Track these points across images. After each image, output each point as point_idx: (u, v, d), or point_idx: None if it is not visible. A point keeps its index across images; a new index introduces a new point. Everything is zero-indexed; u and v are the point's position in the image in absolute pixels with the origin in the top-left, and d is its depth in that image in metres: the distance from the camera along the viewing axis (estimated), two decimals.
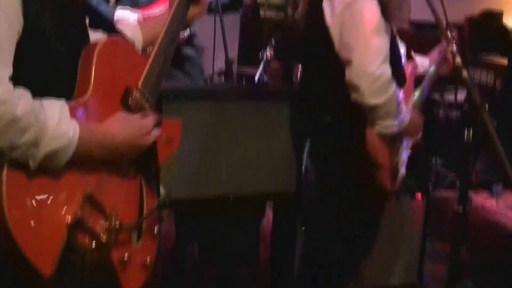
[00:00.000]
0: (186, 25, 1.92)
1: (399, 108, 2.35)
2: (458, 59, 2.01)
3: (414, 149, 2.80)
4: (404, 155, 2.60)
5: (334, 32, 2.36)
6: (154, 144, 1.72)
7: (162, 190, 2.56)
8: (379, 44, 2.29)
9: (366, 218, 2.58)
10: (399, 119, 2.37)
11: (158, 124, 1.68)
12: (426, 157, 4.36)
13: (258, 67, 3.13)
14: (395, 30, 2.52)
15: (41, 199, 1.39)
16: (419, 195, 3.35)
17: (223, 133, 2.75)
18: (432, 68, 2.80)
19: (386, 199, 2.66)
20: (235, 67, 3.75)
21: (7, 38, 1.37)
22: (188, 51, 3.64)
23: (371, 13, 2.29)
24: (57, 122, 1.37)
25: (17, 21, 1.39)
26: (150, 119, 1.62)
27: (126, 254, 1.57)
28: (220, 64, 3.36)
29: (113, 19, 3.47)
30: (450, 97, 4.80)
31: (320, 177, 2.69)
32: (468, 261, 3.72)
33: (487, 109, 1.84)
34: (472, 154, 4.06)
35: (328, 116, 2.47)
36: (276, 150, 2.84)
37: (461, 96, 4.80)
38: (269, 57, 3.27)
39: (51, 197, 1.40)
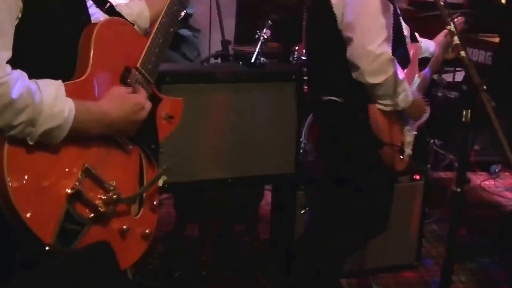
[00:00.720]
0: (185, 5, 1.94)
1: (400, 87, 2.37)
2: (456, 38, 1.97)
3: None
4: (411, 136, 2.62)
5: (337, 11, 2.38)
6: (153, 121, 1.80)
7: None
8: (380, 24, 2.30)
9: (375, 197, 2.61)
10: (401, 99, 2.39)
11: (154, 100, 1.73)
12: (424, 138, 4.36)
13: (255, 46, 3.10)
14: (399, 11, 2.53)
15: (41, 172, 1.45)
16: (417, 176, 3.34)
17: (221, 116, 2.75)
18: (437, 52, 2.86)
19: (395, 179, 2.71)
20: (231, 47, 3.72)
21: (6, 22, 1.40)
22: (184, 32, 3.63)
23: None
24: (52, 101, 1.42)
25: (16, 5, 1.42)
26: (141, 96, 1.68)
27: (125, 225, 1.65)
28: (217, 46, 3.34)
29: None
30: (449, 78, 4.78)
31: (328, 158, 2.74)
32: (466, 242, 3.74)
33: (485, 89, 1.82)
34: (471, 134, 4.07)
35: (335, 95, 2.48)
36: (275, 132, 2.84)
37: (460, 77, 4.79)
38: (266, 37, 3.25)
39: (51, 170, 1.46)
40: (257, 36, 3.17)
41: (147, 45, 1.75)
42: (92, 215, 1.54)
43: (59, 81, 1.46)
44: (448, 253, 2.19)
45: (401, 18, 2.57)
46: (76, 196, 1.50)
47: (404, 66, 2.52)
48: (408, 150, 2.60)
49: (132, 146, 1.71)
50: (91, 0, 1.78)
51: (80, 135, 1.50)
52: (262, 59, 3.00)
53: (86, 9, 1.71)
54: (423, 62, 2.85)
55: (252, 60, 2.92)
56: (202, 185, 2.80)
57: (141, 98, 1.67)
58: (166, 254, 3.23)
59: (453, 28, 1.99)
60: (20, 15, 1.44)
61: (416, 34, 2.86)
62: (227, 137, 2.76)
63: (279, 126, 2.84)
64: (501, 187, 4.84)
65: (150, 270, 3.10)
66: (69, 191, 1.49)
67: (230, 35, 2.48)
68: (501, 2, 5.01)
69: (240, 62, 2.98)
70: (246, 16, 5.15)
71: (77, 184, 1.50)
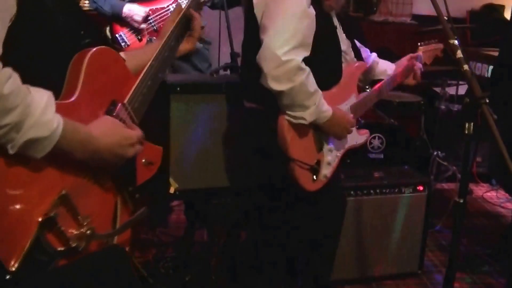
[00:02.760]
0: (174, 54, 1.96)
1: (310, 100, 2.19)
2: (459, 53, 2.00)
3: (416, 142, 2.79)
4: (333, 157, 2.44)
5: (257, 12, 2.26)
6: (134, 164, 1.72)
7: (172, 182, 2.66)
8: (294, 29, 2.12)
9: (284, 215, 2.52)
10: (310, 112, 2.21)
11: (141, 142, 1.66)
12: (427, 150, 4.41)
13: None
14: (337, 24, 2.42)
15: (15, 192, 1.33)
16: (421, 187, 3.38)
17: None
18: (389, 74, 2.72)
19: (305, 199, 2.43)
20: (240, 60, 3.78)
21: (1, 19, 1.33)
22: (196, 44, 3.70)
23: None
24: (43, 108, 1.31)
25: (10, 7, 1.36)
26: (136, 133, 1.61)
27: None
28: (226, 58, 3.40)
29: (122, 12, 3.53)
30: (452, 91, 4.83)
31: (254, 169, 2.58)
32: (468, 251, 3.79)
33: (487, 102, 1.85)
34: (473, 146, 4.12)
35: (255, 101, 2.37)
36: None
37: (463, 90, 4.84)
38: None
39: (25, 192, 1.35)
40: None
41: (137, 83, 1.70)
42: (61, 248, 1.43)
43: (50, 92, 1.37)
44: (451, 262, 2.20)
45: (340, 32, 2.42)
46: (49, 224, 1.38)
47: (333, 81, 2.41)
48: (326, 172, 2.41)
49: (111, 183, 1.62)
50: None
51: (62, 156, 1.40)
52: None
53: (90, 31, 1.70)
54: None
55: None
56: (212, 193, 2.84)
57: (134, 134, 1.59)
58: (177, 258, 3.27)
59: (457, 42, 2.03)
60: (13, 18, 1.38)
61: (374, 55, 2.75)
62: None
63: None
64: (503, 198, 4.87)
65: (162, 274, 3.15)
66: (41, 217, 1.37)
67: (238, 48, 2.51)
68: (503, 17, 5.07)
69: None
70: None
71: (52, 210, 1.38)
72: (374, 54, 2.76)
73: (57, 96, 1.46)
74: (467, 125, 2.00)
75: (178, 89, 2.66)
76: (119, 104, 1.62)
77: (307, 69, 2.18)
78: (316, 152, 2.37)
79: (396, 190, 3.33)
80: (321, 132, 2.36)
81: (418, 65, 2.78)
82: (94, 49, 1.56)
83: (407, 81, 2.80)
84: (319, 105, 2.23)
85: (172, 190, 2.65)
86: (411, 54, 2.80)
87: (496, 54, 3.96)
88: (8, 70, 1.27)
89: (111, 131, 1.51)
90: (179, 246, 3.42)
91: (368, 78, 2.74)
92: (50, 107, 1.34)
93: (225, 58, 3.59)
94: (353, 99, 2.51)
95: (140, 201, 1.78)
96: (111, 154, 1.52)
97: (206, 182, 2.78)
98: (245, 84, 2.47)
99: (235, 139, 2.78)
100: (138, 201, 1.75)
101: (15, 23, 1.39)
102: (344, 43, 2.45)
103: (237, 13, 4.72)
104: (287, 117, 2.24)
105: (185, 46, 1.99)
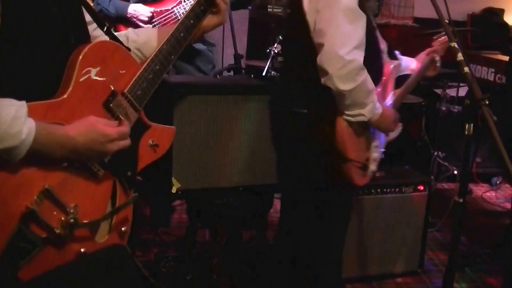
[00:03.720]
0: (203, 32, 1.90)
1: (369, 98, 2.28)
2: (460, 55, 2.00)
3: (417, 143, 2.82)
4: (377, 153, 2.52)
5: (310, 18, 2.30)
6: (134, 148, 1.74)
7: (174, 181, 2.68)
8: (352, 30, 2.20)
9: (336, 211, 2.58)
10: (368, 109, 2.29)
11: (140, 127, 1.69)
12: (428, 150, 4.44)
13: (266, 61, 3.17)
14: (375, 24, 2.48)
15: None
16: (421, 187, 3.41)
17: (232, 126, 2.79)
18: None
19: (353, 193, 2.54)
20: (243, 62, 3.81)
21: None
22: (200, 46, 3.72)
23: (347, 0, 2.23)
24: (10, 122, 1.37)
25: None
26: (116, 129, 1.60)
27: (83, 249, 1.58)
28: (229, 59, 3.42)
29: (127, 13, 3.55)
30: (452, 93, 4.86)
31: (295, 170, 2.60)
32: (467, 250, 3.82)
33: (487, 103, 1.88)
34: (473, 147, 4.14)
35: (301, 107, 2.40)
36: None
37: (463, 92, 4.86)
38: (276, 52, 3.32)
39: (8, 187, 1.42)
40: (268, 50, 3.24)
41: (140, 71, 1.70)
42: (45, 235, 1.49)
43: (22, 102, 1.41)
44: (450, 261, 2.21)
45: (377, 32, 2.49)
46: (31, 216, 1.45)
47: (376, 80, 2.44)
48: (373, 167, 2.49)
49: (104, 171, 1.64)
50: (94, 21, 1.76)
51: (41, 156, 1.45)
52: (272, 72, 3.06)
53: (81, 30, 1.68)
54: (404, 79, 2.80)
55: (263, 73, 2.97)
56: (214, 192, 2.85)
57: (112, 131, 1.58)
58: (179, 258, 3.28)
59: (457, 45, 2.05)
60: None
61: (397, 52, 2.82)
62: (238, 146, 2.80)
63: None
64: (502, 199, 4.91)
65: (163, 273, 3.17)
66: (23, 210, 1.44)
67: (242, 50, 2.52)
68: (503, 20, 5.08)
69: (252, 75, 3.02)
70: (258, 32, 5.25)
71: (32, 204, 1.45)
72: (397, 52, 2.83)
73: (52, 94, 1.52)
74: (467, 126, 2.02)
75: (182, 90, 2.66)
76: (118, 95, 1.64)
77: (365, 68, 2.25)
78: (366, 150, 2.46)
79: (397, 190, 3.36)
80: (368, 130, 2.44)
81: (438, 57, 2.81)
82: (89, 45, 1.58)
83: (428, 73, 2.84)
84: (376, 103, 2.31)
85: (174, 190, 2.67)
86: (429, 49, 2.83)
87: (495, 57, 3.99)
88: None
89: (87, 130, 1.53)
90: (181, 246, 3.44)
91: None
92: (18, 119, 1.39)
93: (229, 60, 3.62)
94: (391, 97, 2.61)
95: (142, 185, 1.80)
96: (90, 151, 1.54)
97: (208, 182, 2.78)
98: (290, 90, 2.51)
99: (239, 139, 2.80)
100: (138, 185, 1.77)
101: (3, 25, 1.42)
102: (383, 43, 2.53)
103: (240, 16, 4.76)
104: (345, 117, 2.30)
105: (213, 21, 1.90)
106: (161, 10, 3.61)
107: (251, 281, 3.20)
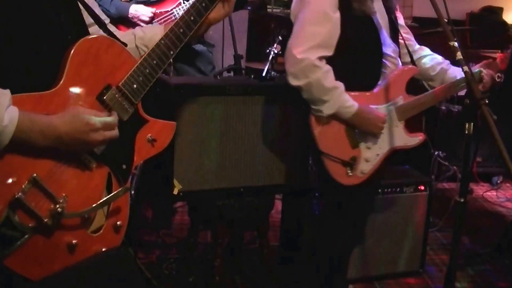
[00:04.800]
0: (209, 25, 1.92)
1: (327, 96, 2.36)
2: (459, 54, 1.99)
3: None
4: (371, 154, 2.53)
5: (293, 19, 2.46)
6: (130, 141, 1.75)
7: (176, 183, 2.68)
8: (312, 32, 2.34)
9: (333, 207, 2.67)
10: (327, 106, 2.38)
11: (137, 121, 1.70)
12: (428, 150, 4.43)
13: (266, 62, 3.16)
14: (383, 26, 2.49)
15: None
16: (422, 187, 3.41)
17: (233, 127, 2.80)
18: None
19: (352, 191, 2.54)
20: (243, 63, 3.80)
21: None
22: (199, 47, 3.73)
23: (317, 3, 2.35)
24: None
25: None
26: (100, 119, 1.59)
27: (74, 240, 1.61)
28: (229, 60, 3.42)
29: (128, 13, 3.56)
30: None
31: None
32: (468, 250, 3.81)
33: (487, 103, 1.88)
34: (473, 147, 4.14)
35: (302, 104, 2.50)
36: (284, 143, 2.88)
37: (462, 91, 4.85)
38: (276, 52, 3.31)
39: None
40: (267, 51, 3.23)
41: (136, 65, 1.72)
42: (33, 224, 1.52)
43: (6, 91, 1.45)
44: (451, 260, 2.22)
45: (385, 35, 2.51)
46: (18, 204, 1.49)
47: (368, 81, 2.50)
48: (364, 168, 2.53)
49: (97, 163, 1.66)
50: (92, 19, 1.78)
51: (26, 145, 1.48)
52: (272, 73, 3.05)
53: (80, 30, 1.70)
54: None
55: (263, 74, 2.97)
56: (215, 194, 2.84)
57: (95, 120, 1.58)
58: (181, 260, 3.29)
59: (456, 44, 2.05)
60: None
61: (446, 62, 2.74)
62: (239, 148, 2.81)
63: (288, 137, 2.88)
64: (503, 198, 4.92)
65: (165, 275, 3.17)
66: (11, 198, 1.47)
67: (242, 51, 2.53)
68: (502, 19, 5.08)
69: (252, 76, 3.03)
70: (257, 32, 5.23)
71: (19, 192, 1.48)
72: (447, 62, 2.76)
73: (46, 88, 1.55)
74: (467, 125, 2.03)
75: (182, 91, 2.67)
76: (112, 88, 1.67)
77: (326, 67, 2.36)
78: (350, 148, 2.51)
79: (398, 190, 3.36)
80: (352, 128, 2.48)
81: (489, 72, 2.69)
82: (80, 40, 1.61)
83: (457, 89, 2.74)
84: (337, 101, 2.39)
85: (176, 192, 2.67)
86: (485, 61, 2.75)
87: (494, 56, 3.98)
88: None
89: (71, 119, 1.54)
90: (183, 248, 3.44)
91: (435, 83, 2.75)
92: (0, 105, 1.41)
93: (229, 61, 3.61)
94: (400, 101, 2.57)
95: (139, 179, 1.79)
96: (73, 140, 1.55)
97: (210, 184, 2.79)
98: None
99: (239, 140, 2.80)
100: (133, 179, 1.77)
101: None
102: (389, 47, 2.52)
103: (240, 16, 4.76)
104: (311, 111, 2.44)
105: (221, 12, 1.91)
106: (161, 11, 3.62)
107: (253, 283, 3.20)
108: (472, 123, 2.02)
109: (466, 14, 6.28)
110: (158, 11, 3.62)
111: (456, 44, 2.01)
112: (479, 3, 6.35)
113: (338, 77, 2.39)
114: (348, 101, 2.41)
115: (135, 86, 1.71)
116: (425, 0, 2.21)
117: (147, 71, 1.73)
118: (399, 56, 2.61)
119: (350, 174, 2.51)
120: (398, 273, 3.46)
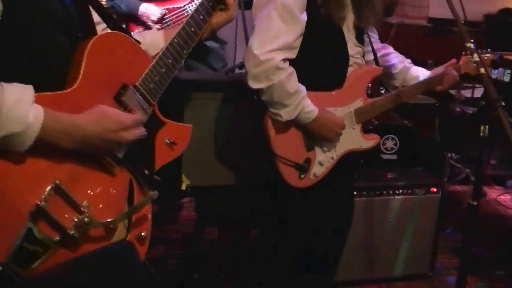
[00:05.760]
0: (212, 30, 1.89)
1: (289, 100, 2.24)
2: (475, 56, 1.97)
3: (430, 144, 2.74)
4: (325, 156, 2.45)
5: (254, 12, 2.31)
6: (150, 145, 1.70)
7: (184, 178, 2.67)
8: (277, 32, 2.19)
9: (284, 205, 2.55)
10: (287, 111, 2.26)
11: (155, 123, 1.65)
12: (441, 152, 4.40)
13: None
14: (348, 28, 2.40)
15: (5, 186, 1.31)
16: (434, 189, 3.38)
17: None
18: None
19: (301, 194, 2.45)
20: None
21: None
22: (212, 44, 3.72)
23: (282, 1, 2.20)
24: (13, 104, 1.28)
25: None
26: (130, 116, 1.54)
27: None
28: (241, 57, 3.41)
29: (138, 10, 3.56)
30: (467, 94, 4.82)
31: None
32: (480, 254, 3.76)
33: (503, 105, 1.86)
34: (487, 149, 4.10)
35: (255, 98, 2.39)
36: None
37: (478, 93, 4.82)
38: None
39: (14, 181, 1.33)
40: None
41: (152, 64, 1.67)
42: (58, 237, 1.40)
43: (29, 86, 1.34)
44: (462, 264, 2.22)
45: (349, 37, 2.41)
46: (41, 214, 1.36)
47: (332, 83, 2.42)
48: (317, 171, 2.44)
49: (119, 168, 1.58)
50: (99, 16, 1.72)
51: (50, 147, 1.37)
52: None
53: (88, 27, 1.63)
54: None
55: None
56: (223, 190, 2.83)
57: (126, 117, 1.52)
58: (186, 256, 3.28)
59: (473, 46, 2.03)
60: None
61: (407, 61, 2.70)
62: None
63: None
64: None
65: (170, 271, 3.16)
66: (31, 207, 1.34)
67: None
68: None
69: None
70: None
71: (42, 201, 1.35)
72: (408, 61, 2.73)
73: (59, 87, 1.46)
74: (482, 127, 2.01)
75: (192, 87, 2.66)
76: (129, 88, 1.60)
77: (289, 70, 2.24)
78: (304, 151, 2.41)
79: (409, 191, 3.33)
80: (307, 131, 2.39)
81: (453, 73, 2.65)
82: (95, 37, 1.53)
83: (437, 87, 2.67)
84: (298, 106, 2.28)
85: (183, 187, 2.66)
86: (449, 62, 2.71)
87: (510, 57, 3.94)
88: None
89: (98, 118, 1.46)
90: (189, 244, 3.43)
91: (396, 82, 2.72)
92: (23, 101, 1.31)
93: (241, 58, 3.60)
94: (358, 103, 2.50)
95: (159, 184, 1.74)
96: (102, 141, 1.47)
97: (217, 180, 2.78)
98: None
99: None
100: (156, 184, 1.71)
101: (5, 21, 1.38)
102: (353, 49, 2.44)
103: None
104: (268, 113, 2.31)
105: (222, 17, 1.89)
106: (173, 7, 3.60)
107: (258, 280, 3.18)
108: (487, 126, 1.99)
109: (483, 15, 6.22)
110: (170, 6, 3.60)
111: (472, 45, 1.99)
112: (496, 4, 6.29)
113: (300, 77, 2.29)
114: (308, 106, 2.31)
115: (152, 86, 1.66)
116: (442, 0, 2.15)
117: (163, 70, 1.69)
118: (363, 56, 2.53)
119: (302, 177, 2.42)
120: (407, 276, 3.42)
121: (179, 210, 4.01)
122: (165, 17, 3.60)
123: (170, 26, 3.60)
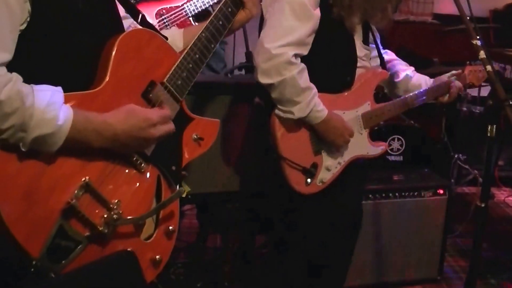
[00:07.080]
0: (232, 29, 1.90)
1: (300, 97, 2.19)
2: (482, 53, 1.94)
3: (437, 145, 2.70)
4: (332, 162, 2.38)
5: (264, 8, 2.28)
6: (178, 141, 1.72)
7: (184, 185, 2.63)
8: (290, 26, 2.14)
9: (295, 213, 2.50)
10: (299, 108, 2.20)
11: (182, 119, 1.67)
12: (448, 153, 4.36)
13: None
14: (353, 31, 2.37)
15: (35, 181, 1.36)
16: (441, 190, 3.34)
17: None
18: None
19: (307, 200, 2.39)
20: None
21: (6, 25, 1.34)
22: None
23: None
24: (44, 107, 1.34)
25: (22, 9, 1.38)
26: (157, 112, 1.57)
27: (129, 248, 1.57)
28: (241, 57, 3.38)
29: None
30: (474, 93, 4.78)
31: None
32: (489, 257, 3.72)
33: (511, 104, 1.83)
34: (495, 150, 4.05)
35: (261, 96, 2.37)
36: None
37: (485, 92, 4.77)
38: None
39: (46, 181, 1.38)
40: None
41: (179, 60, 1.68)
42: (88, 233, 1.46)
43: (58, 88, 1.40)
44: (471, 268, 2.21)
45: (357, 38, 2.38)
46: (71, 212, 1.42)
47: (341, 85, 2.39)
48: (324, 176, 2.37)
49: (147, 165, 1.61)
50: (126, 11, 1.75)
51: (81, 146, 1.43)
52: None
53: (115, 24, 1.65)
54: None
55: None
56: (225, 197, 2.81)
57: (154, 114, 1.55)
58: (188, 264, 3.24)
59: (479, 42, 1.99)
60: (28, 18, 1.40)
61: (410, 69, 2.67)
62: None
63: None
64: None
65: (173, 281, 3.12)
66: (63, 205, 1.40)
67: (254, 48, 2.50)
68: None
69: None
70: None
71: (72, 199, 1.41)
72: (411, 69, 2.70)
73: (87, 85, 1.50)
74: (489, 127, 1.99)
75: (192, 89, 2.61)
76: (157, 84, 1.62)
77: (301, 65, 2.19)
78: (312, 155, 2.36)
79: (416, 194, 3.30)
80: (315, 134, 2.34)
81: (457, 84, 2.65)
82: (123, 34, 1.55)
83: (440, 98, 2.69)
84: (310, 103, 2.22)
85: (184, 194, 2.61)
86: (453, 71, 2.70)
87: None
88: (7, 76, 1.32)
89: (126, 116, 1.49)
90: (191, 252, 3.40)
91: (399, 91, 2.69)
92: (54, 104, 1.36)
93: (240, 58, 3.57)
94: (366, 107, 2.47)
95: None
96: (131, 138, 1.50)
97: (219, 186, 2.74)
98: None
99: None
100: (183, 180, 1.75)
101: (34, 22, 1.41)
102: (361, 51, 2.41)
103: None
104: (277, 112, 2.25)
105: (241, 16, 1.90)
106: (171, 7, 3.56)
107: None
108: (494, 125, 1.97)
109: (489, 11, 6.19)
110: (168, 6, 3.56)
111: (479, 42, 1.97)
112: (503, 0, 6.25)
113: (309, 77, 2.24)
114: (319, 105, 2.26)
115: (179, 82, 1.67)
116: None
117: (190, 66, 1.70)
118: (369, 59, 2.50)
119: (309, 182, 2.35)
120: (415, 280, 3.40)
121: (181, 218, 3.96)
122: (164, 17, 3.55)
123: (169, 27, 3.56)
